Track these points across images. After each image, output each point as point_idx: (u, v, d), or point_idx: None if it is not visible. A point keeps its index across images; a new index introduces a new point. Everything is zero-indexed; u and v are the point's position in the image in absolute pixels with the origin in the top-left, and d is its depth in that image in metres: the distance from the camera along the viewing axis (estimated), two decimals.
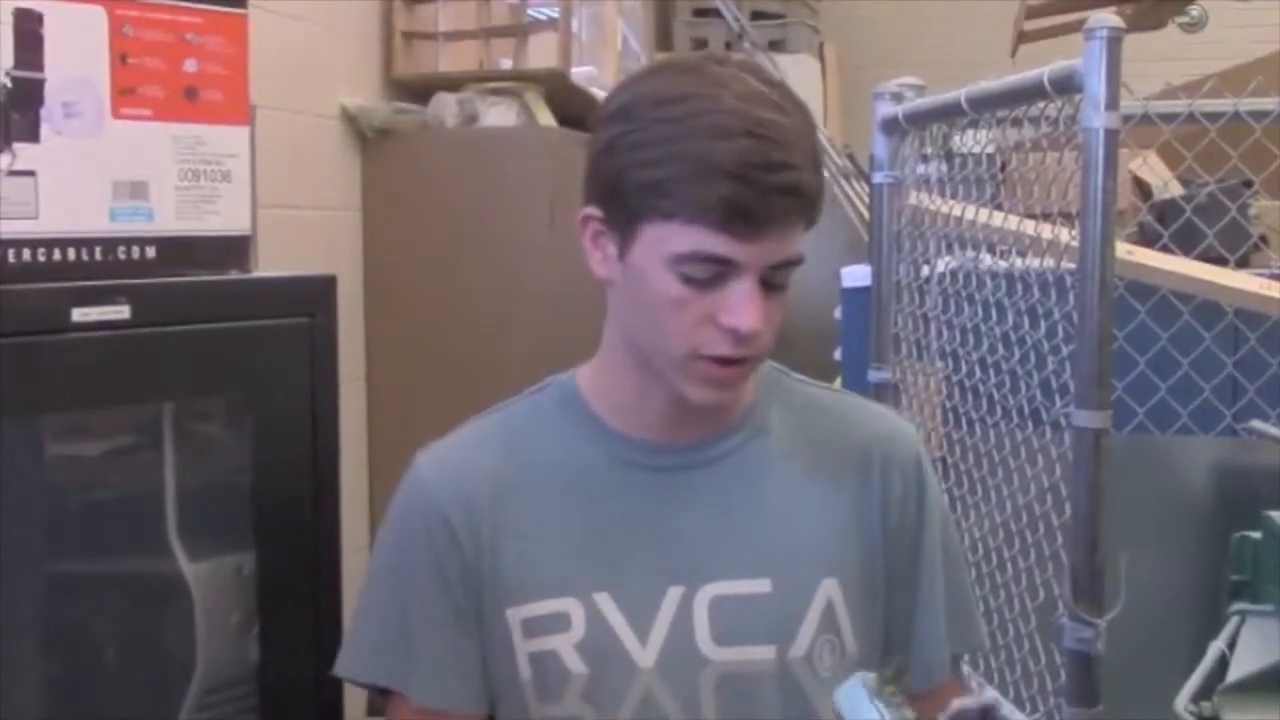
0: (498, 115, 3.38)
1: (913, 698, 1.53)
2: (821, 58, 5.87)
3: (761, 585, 1.45)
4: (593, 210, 1.41)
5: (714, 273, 1.34)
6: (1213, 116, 2.29)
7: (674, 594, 1.44)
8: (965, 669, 1.84)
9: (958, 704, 1.26)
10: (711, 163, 1.30)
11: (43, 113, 1.63)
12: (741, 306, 1.34)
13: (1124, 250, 2.25)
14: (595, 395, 1.50)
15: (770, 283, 1.36)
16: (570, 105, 3.49)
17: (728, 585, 1.45)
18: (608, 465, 1.48)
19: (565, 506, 1.47)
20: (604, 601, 1.44)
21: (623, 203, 1.37)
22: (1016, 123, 1.92)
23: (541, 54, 3.63)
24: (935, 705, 1.54)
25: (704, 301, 1.35)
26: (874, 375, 2.36)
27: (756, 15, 5.59)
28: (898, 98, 2.29)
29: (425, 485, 1.50)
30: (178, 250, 1.78)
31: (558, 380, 1.55)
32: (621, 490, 1.47)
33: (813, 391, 1.58)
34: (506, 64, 3.69)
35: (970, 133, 2.14)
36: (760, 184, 1.30)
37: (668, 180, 1.32)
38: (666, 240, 1.34)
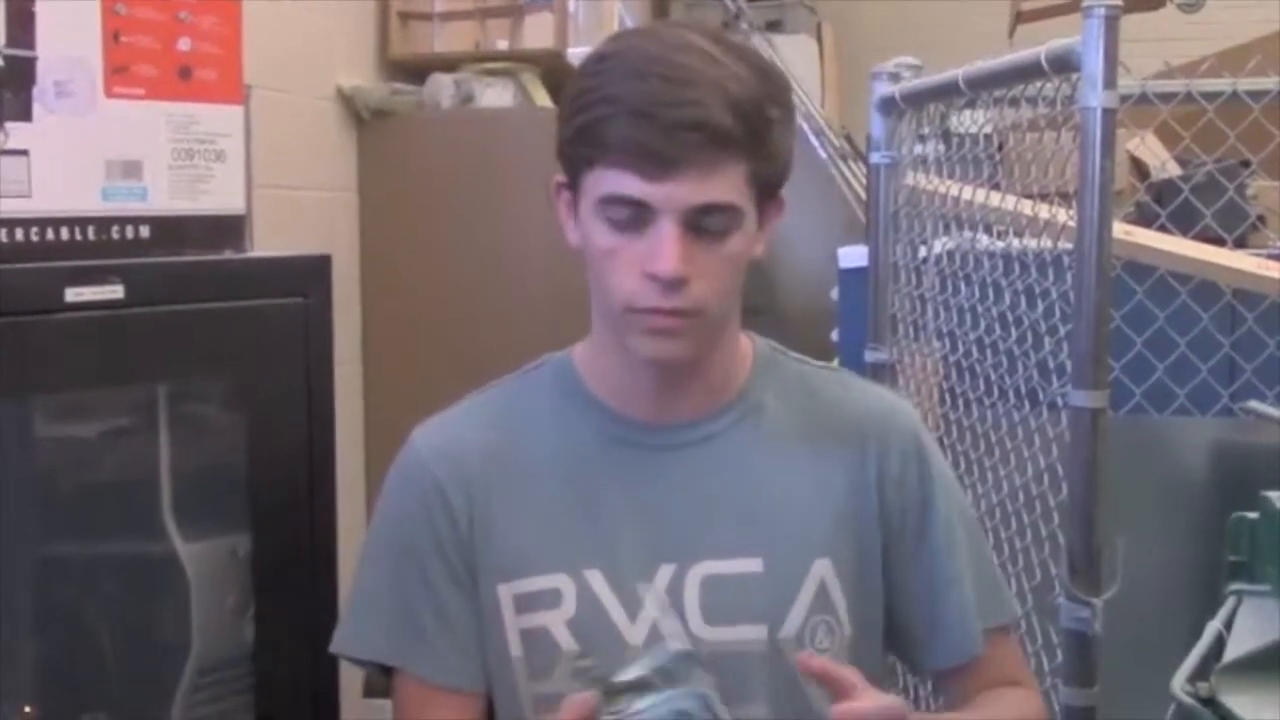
0: (494, 96, 3.37)
1: (948, 675, 1.54)
2: (819, 39, 5.86)
3: (753, 565, 1.45)
4: (559, 176, 1.44)
5: (634, 217, 1.34)
6: (1211, 96, 2.28)
7: (665, 572, 1.44)
8: None
9: None
10: (620, 103, 1.32)
11: (35, 91, 1.62)
12: (658, 251, 1.33)
13: (1121, 230, 2.24)
14: (590, 373, 1.51)
15: (701, 231, 1.34)
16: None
17: (719, 564, 1.45)
18: (600, 442, 1.48)
19: (558, 483, 1.47)
20: (595, 578, 1.44)
21: (566, 158, 1.41)
22: (1014, 102, 1.91)
23: (538, 34, 3.62)
24: (974, 679, 1.54)
25: (632, 250, 1.35)
26: (871, 356, 2.36)
27: None
28: (895, 78, 2.29)
29: (421, 460, 1.51)
30: (172, 230, 1.77)
31: (555, 358, 1.55)
32: (614, 468, 1.47)
33: (809, 371, 1.57)
34: (503, 44, 3.68)
35: (967, 112, 2.14)
36: (662, 120, 1.31)
37: (587, 125, 1.35)
38: (594, 186, 1.36)
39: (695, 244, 1.34)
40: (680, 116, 1.30)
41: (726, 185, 1.34)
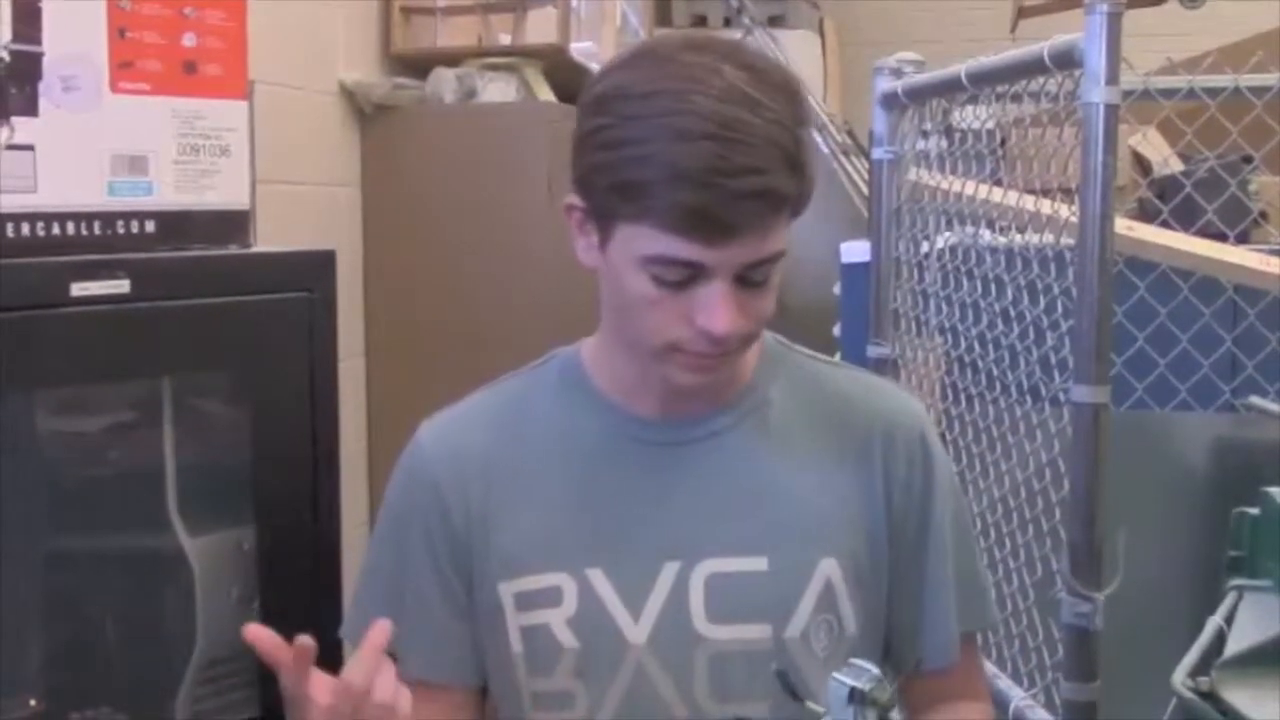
0: (496, 91, 3.37)
1: (917, 677, 1.54)
2: (821, 33, 5.85)
3: (758, 563, 1.44)
4: (575, 200, 1.40)
5: (684, 275, 1.32)
6: (1213, 92, 2.29)
7: (670, 570, 1.44)
8: None
9: None
10: (675, 168, 1.28)
11: (41, 87, 1.63)
12: (713, 309, 1.32)
13: (1123, 226, 2.25)
14: (597, 369, 1.50)
15: (749, 280, 1.34)
16: (569, 81, 3.48)
17: (724, 562, 1.44)
18: (606, 439, 1.48)
19: (562, 480, 1.47)
20: (596, 577, 1.44)
21: (597, 200, 1.36)
22: (1016, 98, 1.91)
23: (540, 29, 3.62)
24: (941, 685, 1.54)
25: (678, 301, 1.33)
26: (873, 351, 2.36)
27: None
28: (897, 73, 2.29)
29: (423, 460, 1.51)
30: (177, 225, 1.78)
31: (563, 353, 1.55)
32: (619, 464, 1.47)
33: (817, 367, 1.57)
34: (505, 39, 3.68)
35: (970, 108, 2.14)
36: (724, 190, 1.27)
37: (634, 184, 1.30)
38: (637, 242, 1.32)
39: (743, 292, 1.34)
40: (742, 186, 1.28)
41: (777, 237, 1.34)
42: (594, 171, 1.35)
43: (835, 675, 1.21)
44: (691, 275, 1.32)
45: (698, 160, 1.27)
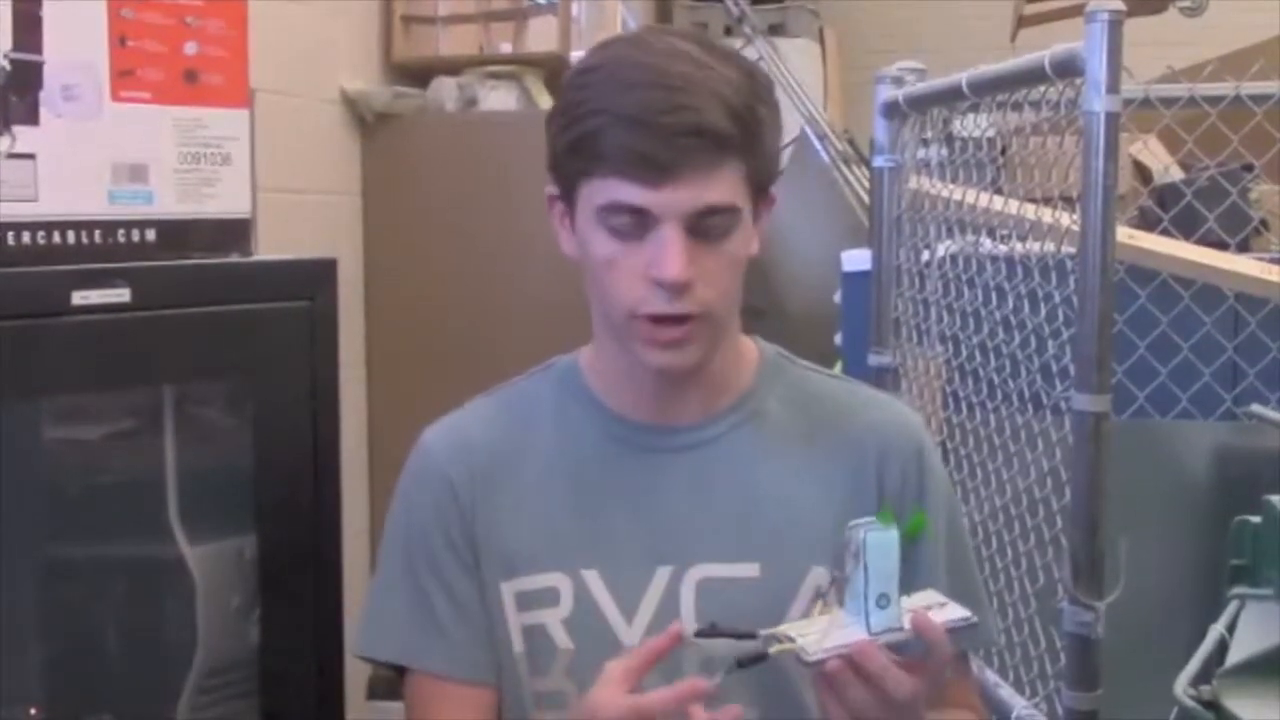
0: (497, 99, 3.37)
1: None
2: (822, 42, 5.85)
3: (750, 569, 1.45)
4: (550, 188, 1.45)
5: (635, 224, 1.36)
6: (1213, 100, 2.29)
7: (662, 574, 1.45)
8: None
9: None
10: (615, 114, 1.33)
11: (42, 95, 1.63)
12: (662, 256, 1.34)
13: (1124, 234, 2.24)
14: (593, 376, 1.52)
15: (702, 234, 1.36)
16: None
17: (716, 568, 1.45)
18: (602, 444, 1.49)
19: (559, 483, 1.49)
20: (592, 579, 1.45)
21: (560, 170, 1.42)
22: (1017, 106, 1.92)
23: (541, 38, 3.62)
24: (940, 704, 1.53)
25: (634, 257, 1.36)
26: (874, 359, 2.36)
27: None
28: (898, 82, 2.29)
29: (431, 457, 1.53)
30: (177, 233, 1.78)
31: (562, 360, 1.57)
32: (615, 469, 1.48)
33: (816, 379, 1.58)
34: (506, 48, 3.68)
35: (971, 117, 2.14)
36: (659, 127, 1.32)
37: (581, 137, 1.36)
38: (591, 196, 1.38)
39: (697, 247, 1.35)
40: (677, 122, 1.32)
41: (725, 187, 1.36)
42: (553, 142, 1.41)
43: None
44: (641, 223, 1.35)
45: (635, 104, 1.33)
